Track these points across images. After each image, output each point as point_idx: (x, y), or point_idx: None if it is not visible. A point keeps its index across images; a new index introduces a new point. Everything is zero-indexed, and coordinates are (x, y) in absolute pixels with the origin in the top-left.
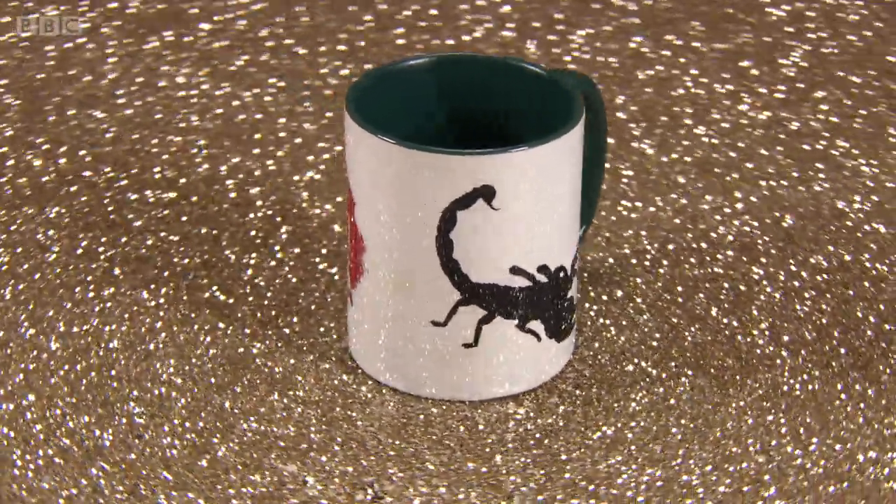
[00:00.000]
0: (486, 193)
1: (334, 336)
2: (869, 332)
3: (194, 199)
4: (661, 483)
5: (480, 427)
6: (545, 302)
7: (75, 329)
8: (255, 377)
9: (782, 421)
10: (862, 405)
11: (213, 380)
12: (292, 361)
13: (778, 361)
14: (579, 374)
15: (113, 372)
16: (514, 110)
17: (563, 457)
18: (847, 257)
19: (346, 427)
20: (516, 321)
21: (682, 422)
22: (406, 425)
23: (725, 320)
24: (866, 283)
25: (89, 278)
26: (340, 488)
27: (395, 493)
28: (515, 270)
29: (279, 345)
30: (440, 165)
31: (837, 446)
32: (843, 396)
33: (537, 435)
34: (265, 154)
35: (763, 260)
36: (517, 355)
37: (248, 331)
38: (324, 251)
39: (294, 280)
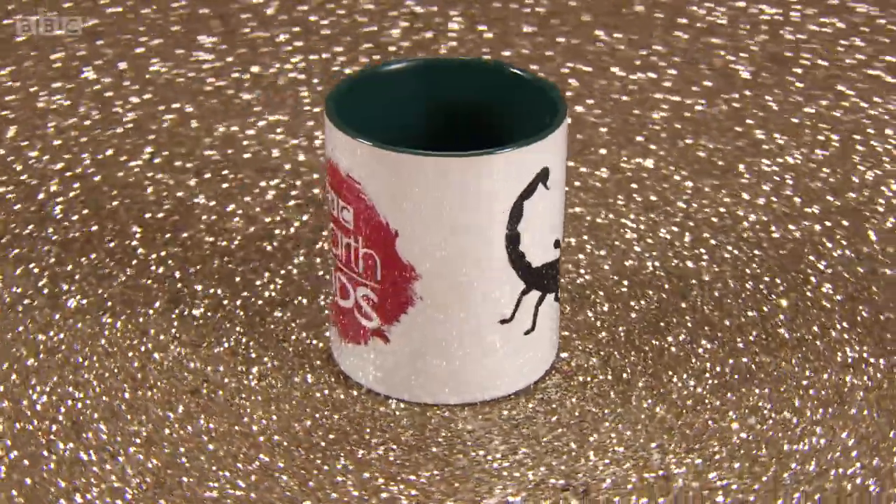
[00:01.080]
0: (544, 175)
1: (332, 379)
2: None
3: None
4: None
5: (568, 403)
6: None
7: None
8: (338, 444)
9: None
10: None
11: (298, 452)
12: (343, 411)
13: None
14: (568, 328)
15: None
16: (496, 111)
17: (677, 392)
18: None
19: (480, 450)
20: (555, 293)
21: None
22: (516, 427)
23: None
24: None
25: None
26: (551, 497)
27: (596, 480)
28: (557, 244)
29: (319, 412)
30: (503, 163)
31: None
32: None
33: (618, 387)
34: None
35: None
36: (554, 325)
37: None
38: None
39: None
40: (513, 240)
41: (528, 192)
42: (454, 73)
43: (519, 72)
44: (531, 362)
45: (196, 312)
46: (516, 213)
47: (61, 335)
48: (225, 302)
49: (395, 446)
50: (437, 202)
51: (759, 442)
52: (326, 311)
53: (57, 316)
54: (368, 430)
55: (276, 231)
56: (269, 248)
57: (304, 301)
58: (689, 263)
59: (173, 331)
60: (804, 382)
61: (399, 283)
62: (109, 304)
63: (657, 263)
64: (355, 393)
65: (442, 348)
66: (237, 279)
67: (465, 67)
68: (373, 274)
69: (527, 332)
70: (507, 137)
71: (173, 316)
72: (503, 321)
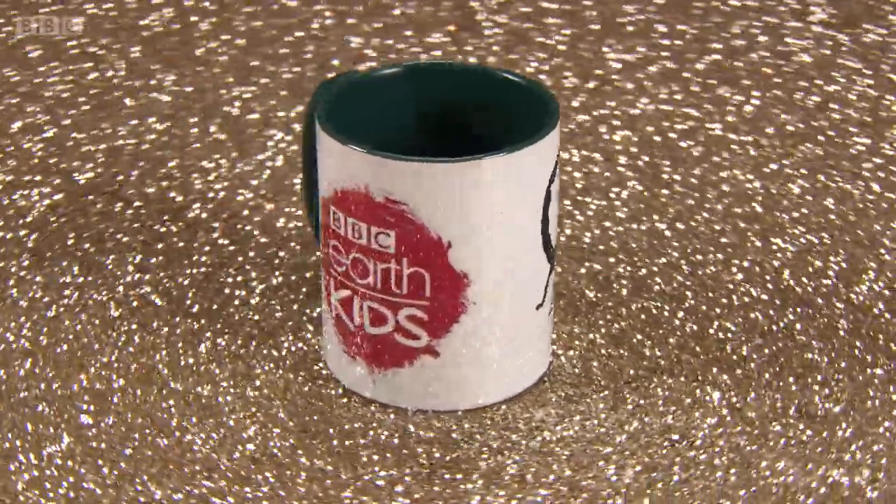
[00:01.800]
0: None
1: (368, 411)
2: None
3: None
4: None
5: (596, 370)
6: None
7: None
8: (439, 467)
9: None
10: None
11: (410, 486)
12: (409, 438)
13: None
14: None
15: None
16: (490, 111)
17: (683, 342)
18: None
19: (571, 434)
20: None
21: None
22: (576, 402)
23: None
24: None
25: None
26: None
27: (697, 429)
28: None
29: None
30: (537, 153)
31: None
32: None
33: (625, 345)
34: None
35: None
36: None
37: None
38: None
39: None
40: (545, 224)
41: (553, 176)
42: (443, 77)
43: (508, 74)
44: (549, 341)
45: (178, 386)
46: (548, 198)
47: (60, 430)
48: (191, 360)
49: (494, 454)
50: (487, 204)
51: (803, 370)
52: (328, 347)
53: (45, 410)
54: (452, 446)
55: (184, 283)
56: (211, 304)
57: (271, 342)
58: (596, 231)
59: (172, 410)
60: (773, 303)
61: (451, 294)
62: (85, 397)
63: (568, 231)
64: (398, 416)
65: (494, 348)
66: (192, 339)
67: (453, 71)
68: (421, 291)
69: (550, 313)
70: (505, 136)
71: (156, 392)
72: (538, 306)
